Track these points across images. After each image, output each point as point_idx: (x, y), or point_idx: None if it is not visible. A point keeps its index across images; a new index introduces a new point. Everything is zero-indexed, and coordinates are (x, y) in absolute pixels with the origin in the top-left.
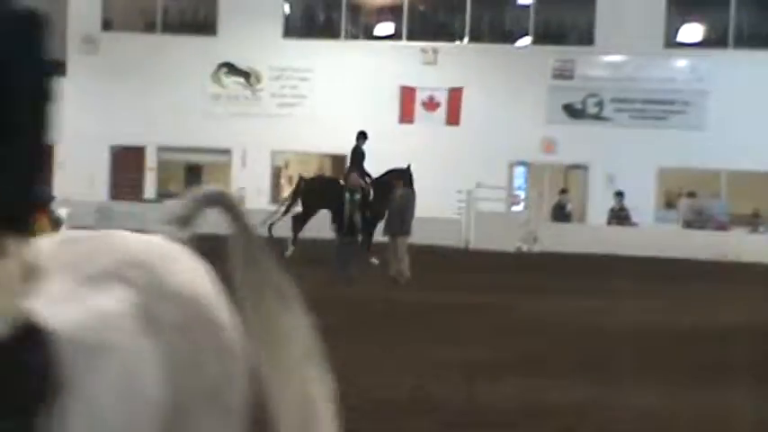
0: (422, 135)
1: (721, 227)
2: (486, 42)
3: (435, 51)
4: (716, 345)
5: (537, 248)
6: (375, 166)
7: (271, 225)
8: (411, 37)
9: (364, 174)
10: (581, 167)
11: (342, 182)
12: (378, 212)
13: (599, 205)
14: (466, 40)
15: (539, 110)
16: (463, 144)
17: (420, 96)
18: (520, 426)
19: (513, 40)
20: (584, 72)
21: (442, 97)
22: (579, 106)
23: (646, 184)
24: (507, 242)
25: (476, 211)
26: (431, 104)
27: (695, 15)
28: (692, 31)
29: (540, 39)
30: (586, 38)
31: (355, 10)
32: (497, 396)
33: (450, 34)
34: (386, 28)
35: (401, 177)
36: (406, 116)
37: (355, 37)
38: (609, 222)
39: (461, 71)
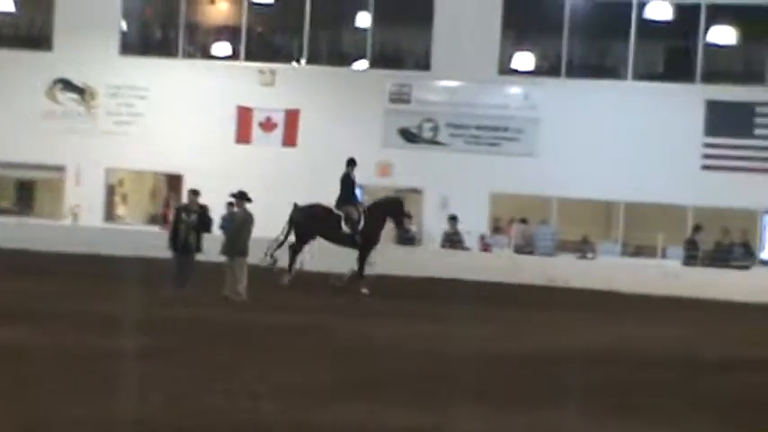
0: (259, 156)
1: (548, 253)
2: (324, 65)
3: (273, 72)
4: (546, 369)
5: (374, 271)
6: (210, 184)
7: (272, 254)
8: (249, 57)
9: (355, 201)
10: (416, 191)
11: (336, 210)
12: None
13: (433, 229)
14: (303, 61)
15: (375, 133)
16: (300, 165)
17: (257, 117)
18: None
19: (351, 63)
20: (421, 96)
21: (279, 118)
22: (415, 130)
23: (479, 209)
24: (344, 264)
25: None
26: (268, 125)
27: (529, 44)
28: (525, 60)
29: (378, 62)
30: (423, 63)
31: (193, 29)
32: (331, 420)
33: (288, 56)
34: (223, 48)
35: (239, 198)
36: (243, 136)
37: (192, 56)
38: (443, 246)
39: (299, 93)
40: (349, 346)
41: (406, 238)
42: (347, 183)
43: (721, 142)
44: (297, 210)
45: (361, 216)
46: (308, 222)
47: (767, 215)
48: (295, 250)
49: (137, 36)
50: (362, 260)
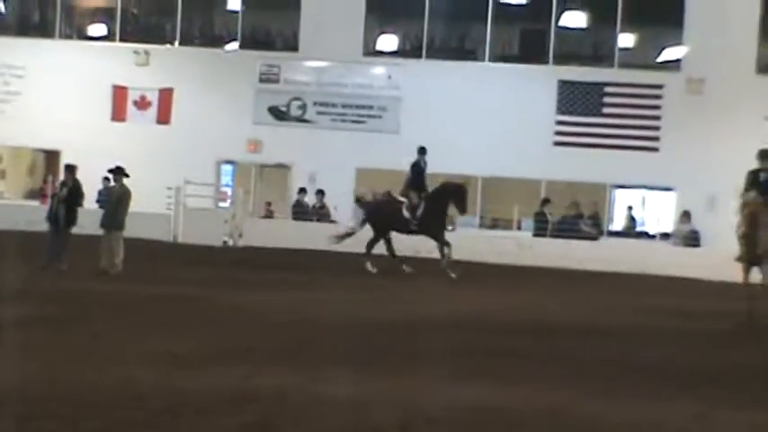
0: (133, 133)
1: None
2: (197, 46)
3: (147, 53)
4: (411, 335)
5: (242, 243)
6: (87, 161)
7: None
8: (124, 38)
9: (422, 188)
10: (285, 167)
11: (400, 198)
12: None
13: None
14: (177, 43)
15: (245, 111)
16: (173, 142)
17: (132, 96)
18: (219, 412)
19: (222, 45)
20: (289, 76)
21: (153, 97)
22: (284, 109)
23: (345, 184)
24: (214, 237)
25: (184, 206)
26: (142, 103)
27: (392, 27)
28: (388, 42)
29: (248, 44)
30: (291, 44)
31: (69, 10)
32: (204, 384)
33: (162, 37)
34: (99, 29)
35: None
36: (119, 115)
37: (69, 37)
38: (312, 219)
39: (172, 73)
40: (222, 314)
41: (302, 212)
42: (415, 170)
43: (572, 120)
44: (363, 205)
45: (421, 202)
46: (377, 218)
47: (615, 189)
48: (387, 240)
49: (14, 17)
50: (440, 243)
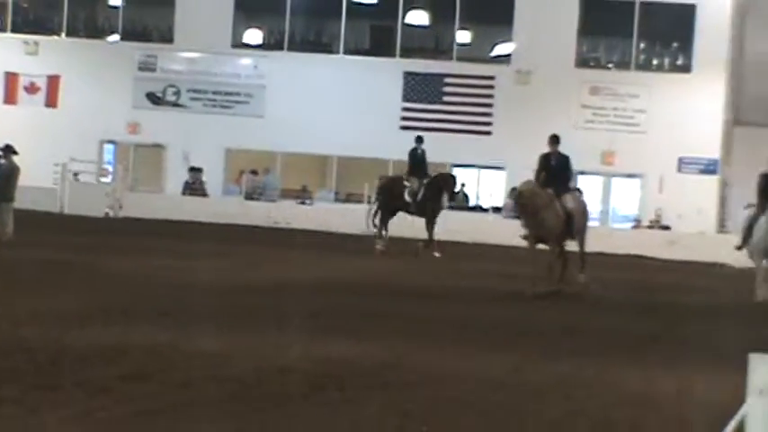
0: (24, 115)
1: (273, 199)
2: (82, 37)
3: (36, 43)
4: (276, 297)
5: (122, 214)
6: None
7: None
8: (15, 30)
9: (424, 174)
10: (161, 146)
11: (405, 182)
12: None
13: (176, 179)
14: (63, 34)
15: (126, 97)
16: (60, 124)
17: (22, 82)
18: (98, 364)
19: (104, 36)
20: (165, 66)
21: (42, 83)
22: (160, 95)
23: (216, 162)
24: (97, 208)
25: (70, 181)
26: (32, 89)
27: (257, 22)
28: (254, 35)
29: (128, 36)
30: (167, 37)
31: None
32: (86, 340)
33: (50, 29)
34: None
35: (6, 151)
36: (11, 99)
37: None
38: (183, 193)
39: (60, 61)
40: (102, 277)
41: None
42: (414, 157)
43: (416, 107)
44: (379, 184)
45: (421, 188)
46: (384, 195)
47: (453, 168)
48: (381, 220)
49: None
50: (431, 226)
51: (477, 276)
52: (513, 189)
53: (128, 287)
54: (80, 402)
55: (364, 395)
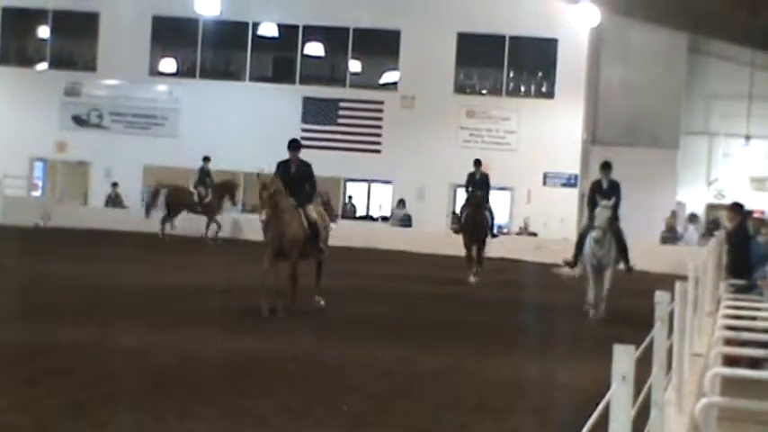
0: None
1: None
2: (13, 66)
3: None
4: (193, 298)
5: (51, 225)
6: None
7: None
8: None
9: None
10: (86, 163)
11: (192, 189)
12: None
13: (98, 193)
14: None
15: (53, 119)
16: None
17: None
18: (27, 359)
19: (34, 65)
20: (89, 91)
21: None
22: (85, 117)
23: (135, 178)
24: (28, 220)
25: (3, 195)
26: None
27: (172, 52)
28: (169, 64)
29: (55, 64)
30: (91, 65)
31: None
32: (12, 336)
33: None
34: None
35: None
36: None
37: None
38: (106, 205)
39: None
40: (31, 280)
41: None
42: (201, 173)
43: (314, 128)
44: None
45: (209, 192)
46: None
47: (347, 182)
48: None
49: None
50: (208, 223)
51: (368, 277)
52: (401, 200)
53: (55, 289)
54: (11, 394)
55: (272, 383)
